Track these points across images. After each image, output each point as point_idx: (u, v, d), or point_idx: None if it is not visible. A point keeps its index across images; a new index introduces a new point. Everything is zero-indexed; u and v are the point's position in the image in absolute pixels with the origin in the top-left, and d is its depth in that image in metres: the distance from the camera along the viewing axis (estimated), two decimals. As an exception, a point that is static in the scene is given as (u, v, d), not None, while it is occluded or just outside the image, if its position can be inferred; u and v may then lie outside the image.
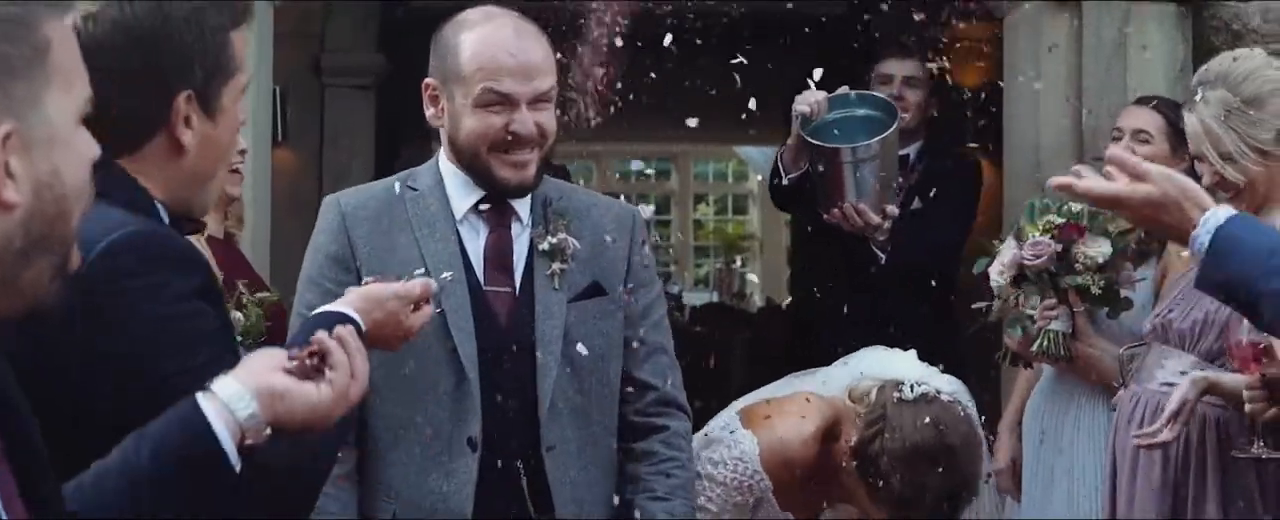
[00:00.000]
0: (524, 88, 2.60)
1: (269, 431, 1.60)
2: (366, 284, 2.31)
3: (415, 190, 2.72)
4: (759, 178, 17.76)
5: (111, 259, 1.74)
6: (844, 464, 2.89)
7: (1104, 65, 4.69)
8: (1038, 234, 3.56)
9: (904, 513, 2.84)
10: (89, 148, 1.32)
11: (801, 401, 2.97)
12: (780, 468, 2.87)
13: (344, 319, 2.07)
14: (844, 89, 4.42)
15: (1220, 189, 3.15)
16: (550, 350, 2.67)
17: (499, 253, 2.71)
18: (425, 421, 2.63)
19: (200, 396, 1.59)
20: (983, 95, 5.36)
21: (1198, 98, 3.16)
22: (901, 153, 4.67)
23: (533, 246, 2.71)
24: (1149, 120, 3.80)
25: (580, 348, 2.67)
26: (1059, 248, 3.57)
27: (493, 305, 2.69)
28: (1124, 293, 3.61)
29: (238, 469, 1.58)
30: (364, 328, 2.13)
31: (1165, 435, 3.07)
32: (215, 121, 1.90)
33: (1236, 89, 3.13)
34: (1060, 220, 3.59)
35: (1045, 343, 3.63)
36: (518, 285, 2.70)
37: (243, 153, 3.37)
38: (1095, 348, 3.65)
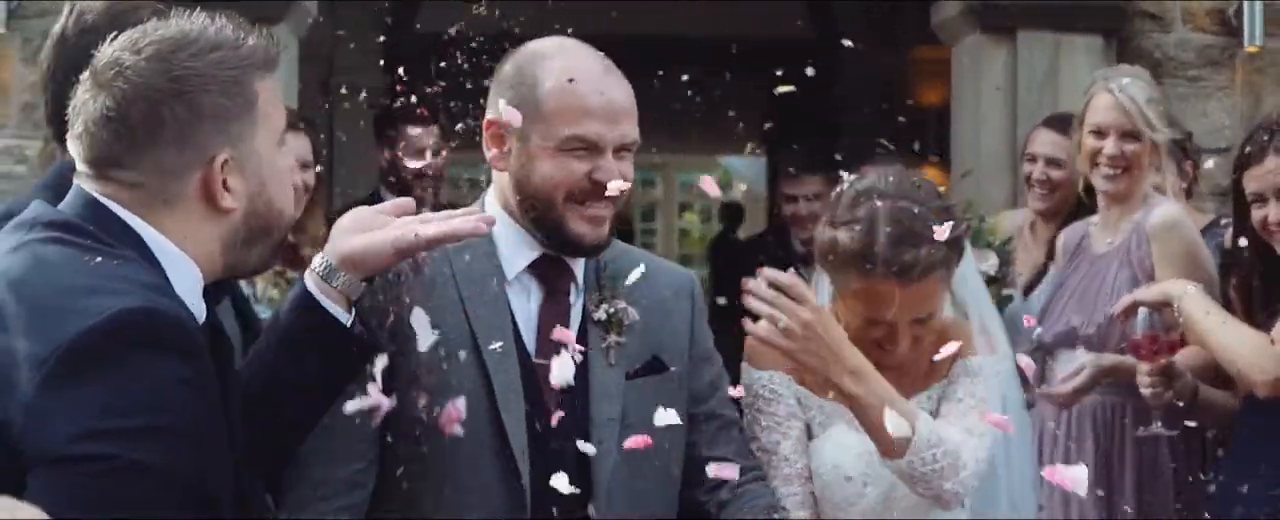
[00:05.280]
0: (611, 132, 2.28)
1: (363, 284, 2.01)
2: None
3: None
4: (743, 187, 18.09)
5: None
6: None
7: (1037, 89, 5.22)
8: None
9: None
10: (287, 159, 1.87)
11: None
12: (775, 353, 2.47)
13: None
14: None
15: (1111, 165, 3.61)
16: (604, 437, 2.31)
17: (554, 322, 2.32)
18: (469, 512, 2.26)
19: (305, 275, 2.02)
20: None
21: (1126, 82, 3.62)
22: None
23: (587, 316, 2.37)
24: (1058, 144, 4.17)
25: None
26: None
27: (543, 382, 2.28)
28: (1007, 292, 3.97)
29: (350, 325, 2.01)
30: None
31: (1064, 390, 3.45)
32: None
33: (1150, 83, 3.66)
34: None
35: None
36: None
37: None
38: None
